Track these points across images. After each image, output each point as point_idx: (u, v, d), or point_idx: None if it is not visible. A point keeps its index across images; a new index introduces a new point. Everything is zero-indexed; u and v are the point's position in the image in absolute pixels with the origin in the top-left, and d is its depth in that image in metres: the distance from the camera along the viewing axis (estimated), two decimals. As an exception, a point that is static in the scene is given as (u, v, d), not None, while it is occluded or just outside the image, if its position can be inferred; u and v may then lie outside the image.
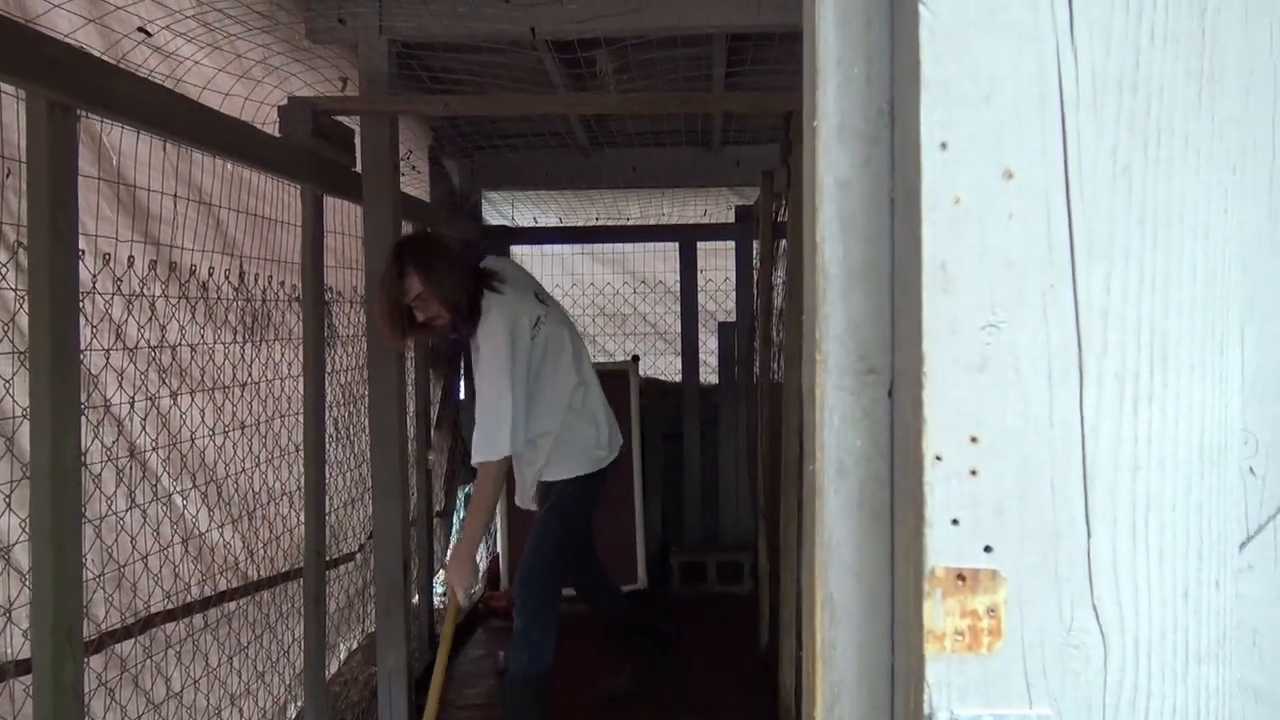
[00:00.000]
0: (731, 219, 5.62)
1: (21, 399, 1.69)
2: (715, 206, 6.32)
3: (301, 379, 2.81)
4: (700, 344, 5.53)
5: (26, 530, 1.67)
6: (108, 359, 2.06)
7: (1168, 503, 0.53)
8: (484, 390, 2.77)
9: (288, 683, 2.94)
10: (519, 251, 5.76)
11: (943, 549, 0.53)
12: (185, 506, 2.45)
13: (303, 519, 2.81)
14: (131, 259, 2.14)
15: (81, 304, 1.73)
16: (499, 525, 4.86)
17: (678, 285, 5.58)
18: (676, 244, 5.57)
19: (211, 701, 2.48)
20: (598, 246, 6.44)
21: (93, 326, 1.96)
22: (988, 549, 0.53)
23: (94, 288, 1.97)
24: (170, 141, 2.18)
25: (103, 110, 1.79)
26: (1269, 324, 0.57)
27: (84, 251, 1.80)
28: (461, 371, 4.59)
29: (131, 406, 2.19)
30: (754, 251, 4.76)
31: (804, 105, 0.61)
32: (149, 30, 2.27)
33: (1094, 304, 0.53)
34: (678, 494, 5.41)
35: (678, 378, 5.66)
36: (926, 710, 0.53)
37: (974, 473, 0.53)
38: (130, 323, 2.16)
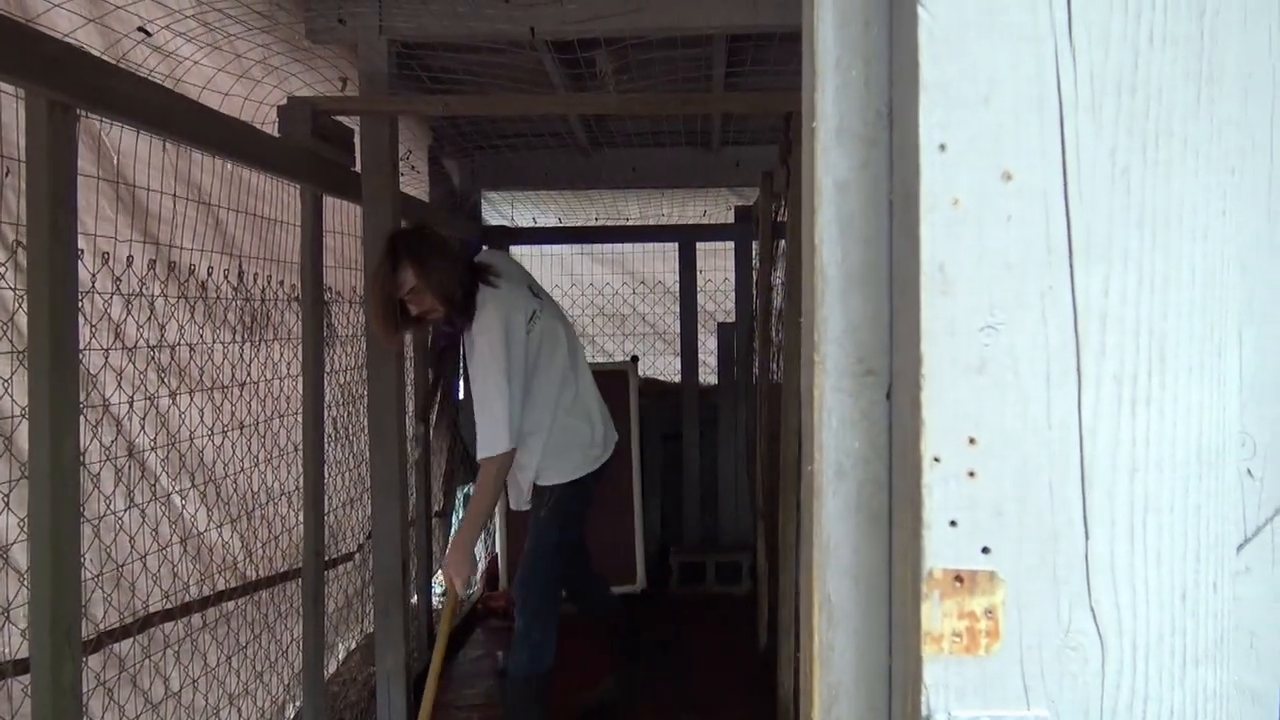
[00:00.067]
0: (731, 219, 5.62)
1: (20, 398, 1.69)
2: (715, 207, 6.32)
3: (300, 379, 2.81)
4: (699, 344, 5.53)
5: (25, 530, 1.67)
6: (106, 358, 2.06)
7: (1165, 505, 0.53)
8: (479, 385, 2.75)
9: (286, 683, 2.94)
10: (518, 251, 5.75)
11: (941, 550, 0.53)
12: (184, 506, 2.45)
13: (301, 519, 2.81)
14: (130, 258, 2.14)
15: (80, 303, 1.73)
16: (497, 525, 4.85)
17: (677, 286, 5.58)
18: (676, 244, 5.58)
19: (210, 701, 2.47)
20: (597, 247, 6.43)
21: (92, 326, 1.96)
22: (986, 550, 0.53)
23: (93, 287, 1.97)
24: (170, 141, 2.18)
25: (102, 110, 1.78)
26: (1267, 326, 0.57)
27: (83, 251, 1.80)
28: (461, 372, 4.59)
29: (130, 406, 2.19)
30: (753, 252, 4.76)
31: (803, 107, 0.61)
32: (149, 30, 2.27)
33: (1092, 306, 0.52)
34: (677, 494, 5.41)
35: (677, 378, 5.66)
36: (924, 712, 0.53)
37: (972, 474, 0.53)
38: (129, 322, 2.16)
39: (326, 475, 2.92)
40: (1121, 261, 0.53)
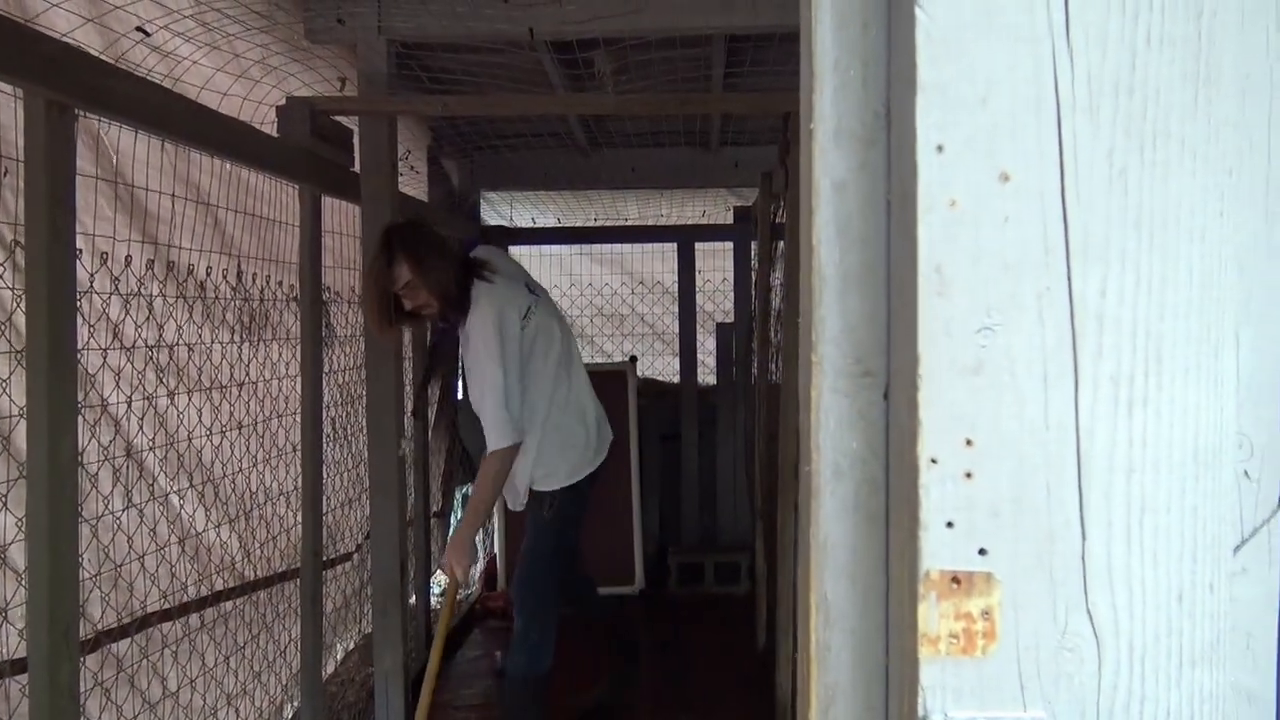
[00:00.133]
0: (730, 220, 5.62)
1: (18, 398, 1.69)
2: (713, 207, 6.32)
3: (299, 379, 2.81)
4: (698, 345, 5.53)
5: (23, 529, 1.67)
6: (105, 358, 2.06)
7: (1162, 506, 0.53)
8: (476, 380, 2.75)
9: (284, 683, 2.94)
10: (517, 251, 5.75)
11: (937, 551, 0.53)
12: (182, 506, 2.45)
13: (300, 519, 2.81)
14: (129, 258, 2.14)
15: (79, 303, 1.73)
16: (495, 525, 4.85)
17: (676, 286, 5.59)
18: (675, 245, 5.58)
19: (208, 702, 2.47)
20: (596, 247, 6.44)
21: (90, 326, 1.96)
22: (982, 552, 0.53)
23: (91, 287, 1.97)
24: (169, 141, 2.18)
25: (101, 110, 1.78)
26: (1265, 327, 0.57)
27: (81, 250, 1.80)
28: (459, 371, 4.58)
29: (129, 406, 2.19)
30: (752, 252, 4.76)
31: (801, 108, 0.61)
32: (147, 30, 2.26)
33: (1089, 307, 0.52)
34: (675, 495, 5.40)
35: (676, 378, 5.66)
36: (921, 713, 0.53)
37: (969, 475, 0.53)
38: (128, 322, 2.15)
39: (325, 475, 2.92)
40: (1119, 262, 0.53)
